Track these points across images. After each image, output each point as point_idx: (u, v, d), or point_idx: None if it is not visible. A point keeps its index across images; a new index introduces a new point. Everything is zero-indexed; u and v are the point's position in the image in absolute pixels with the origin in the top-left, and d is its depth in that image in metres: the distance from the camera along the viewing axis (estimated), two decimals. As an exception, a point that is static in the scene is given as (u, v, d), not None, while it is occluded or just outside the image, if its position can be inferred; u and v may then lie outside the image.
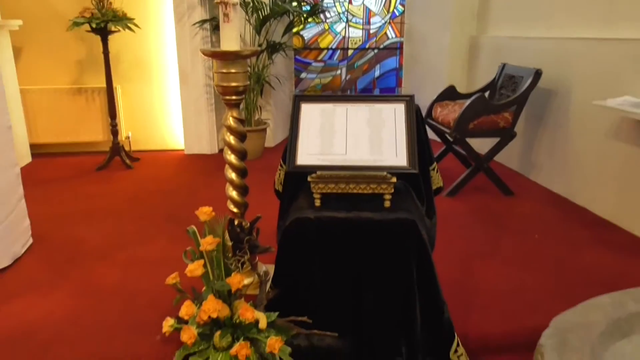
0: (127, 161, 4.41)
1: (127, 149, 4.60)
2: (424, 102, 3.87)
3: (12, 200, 2.58)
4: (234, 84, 2.03)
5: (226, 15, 1.96)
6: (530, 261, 2.61)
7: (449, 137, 3.80)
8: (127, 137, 4.83)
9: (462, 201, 3.51)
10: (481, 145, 3.83)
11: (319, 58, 5.72)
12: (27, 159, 4.47)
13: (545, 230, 3.00)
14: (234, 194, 2.18)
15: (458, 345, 1.85)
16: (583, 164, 3.37)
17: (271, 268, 2.16)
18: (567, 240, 2.86)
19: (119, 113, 4.59)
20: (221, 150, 4.95)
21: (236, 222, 1.93)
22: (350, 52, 5.73)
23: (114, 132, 4.37)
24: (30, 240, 2.78)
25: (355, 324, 1.91)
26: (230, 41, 1.98)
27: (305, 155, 1.97)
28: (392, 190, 1.90)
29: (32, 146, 4.57)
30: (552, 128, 3.71)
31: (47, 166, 4.44)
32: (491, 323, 2.08)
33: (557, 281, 2.39)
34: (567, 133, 3.52)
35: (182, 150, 4.96)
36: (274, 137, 5.16)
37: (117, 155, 4.41)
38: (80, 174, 4.21)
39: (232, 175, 2.15)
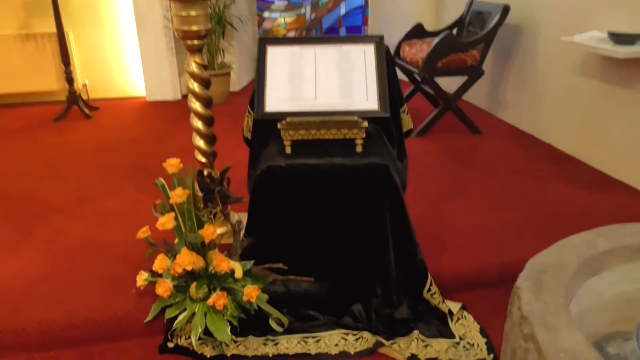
0: (86, 110, 4.22)
1: (84, 97, 4.40)
2: (391, 41, 3.78)
3: (-35, 157, 2.45)
4: (195, 28, 1.92)
5: (183, -49, 1.82)
6: (499, 199, 2.66)
7: (417, 77, 3.76)
8: (84, 85, 4.61)
9: (431, 141, 3.53)
10: (449, 84, 3.81)
11: (282, -4, 5.50)
12: (-23, 111, 4.24)
13: (512, 168, 3.05)
14: (201, 143, 2.12)
15: (431, 284, 1.90)
16: (549, 101, 3.40)
17: (243, 216, 2.15)
18: (533, 177, 2.92)
19: (73, 60, 4.35)
20: (185, 96, 4.79)
21: (205, 173, 1.88)
22: (314, -11, 5.52)
23: (69, 80, 4.15)
24: (-10, 198, 2.67)
25: (330, 268, 1.93)
26: (188, -20, 1.85)
27: (274, 102, 1.91)
28: (364, 135, 1.88)
29: (-18, 97, 4.33)
30: (519, 65, 3.70)
31: (0, 118, 4.22)
32: (462, 261, 2.13)
33: (525, 218, 2.45)
34: (534, 70, 3.53)
35: (144, 97, 4.78)
36: (238, 80, 5.01)
37: (74, 104, 4.21)
38: (37, 126, 4.03)
39: (198, 124, 2.08)
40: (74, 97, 4.20)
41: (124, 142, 3.64)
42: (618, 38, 2.54)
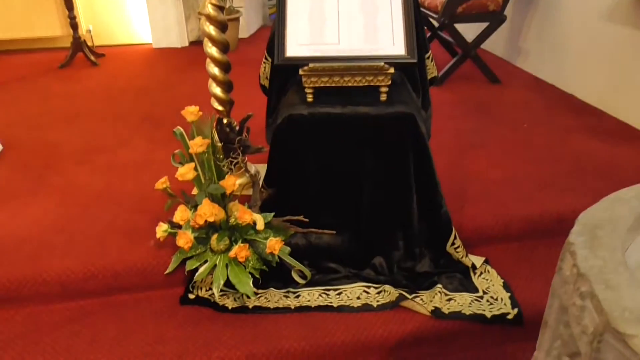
0: (92, 57, 4.10)
1: (89, 44, 4.26)
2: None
3: (-28, 104, 2.38)
4: (210, -34, 1.80)
5: None
6: (520, 150, 2.59)
7: (435, 23, 3.60)
8: (88, 31, 4.46)
9: (449, 90, 3.42)
10: (465, 32, 3.65)
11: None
12: (-22, 57, 4.13)
13: (533, 119, 2.96)
14: (217, 90, 2.03)
15: (455, 238, 1.86)
16: (572, 49, 3.26)
17: (260, 167, 2.10)
18: (555, 128, 2.84)
19: (76, 3, 4.18)
20: (192, 43, 4.65)
21: (225, 122, 1.81)
22: None
23: (73, 25, 4.01)
24: (0, 147, 2.61)
25: (352, 221, 1.89)
26: None
27: (295, 46, 1.81)
28: (389, 82, 1.79)
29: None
30: (541, 11, 3.54)
31: (3, 65, 4.10)
32: (484, 214, 2.08)
33: (548, 170, 2.39)
34: (557, 16, 3.37)
35: (150, 44, 4.63)
36: (247, 27, 4.84)
37: (79, 51, 4.09)
38: (43, 73, 3.92)
39: (215, 70, 1.98)
40: (78, 44, 4.07)
41: (132, 90, 3.54)
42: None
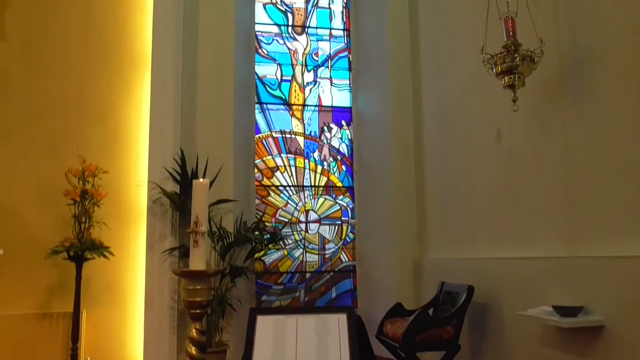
0: (82, 387, 4.34)
1: (83, 374, 4.56)
2: (378, 319, 4.27)
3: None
4: (198, 299, 2.34)
5: (196, 241, 2.38)
6: None
7: (400, 353, 4.02)
8: (85, 362, 4.81)
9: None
10: (435, 358, 4.04)
11: (279, 281, 6.12)
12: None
13: None
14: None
15: None
16: (525, 373, 3.60)
17: None
18: None
19: (81, 338, 4.66)
20: (180, 373, 4.94)
21: None
22: (307, 275, 6.18)
23: (74, 356, 4.39)
24: None
25: None
26: (198, 262, 2.36)
27: (260, 361, 2.21)
28: (338, 392, 2.11)
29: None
30: (492, 338, 4.01)
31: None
32: None
33: None
34: (505, 341, 3.83)
35: (140, 375, 4.92)
36: (233, 358, 5.20)
37: (72, 380, 4.35)
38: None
39: (193, 391, 2.30)
40: (73, 373, 4.37)
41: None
42: (562, 310, 2.94)
